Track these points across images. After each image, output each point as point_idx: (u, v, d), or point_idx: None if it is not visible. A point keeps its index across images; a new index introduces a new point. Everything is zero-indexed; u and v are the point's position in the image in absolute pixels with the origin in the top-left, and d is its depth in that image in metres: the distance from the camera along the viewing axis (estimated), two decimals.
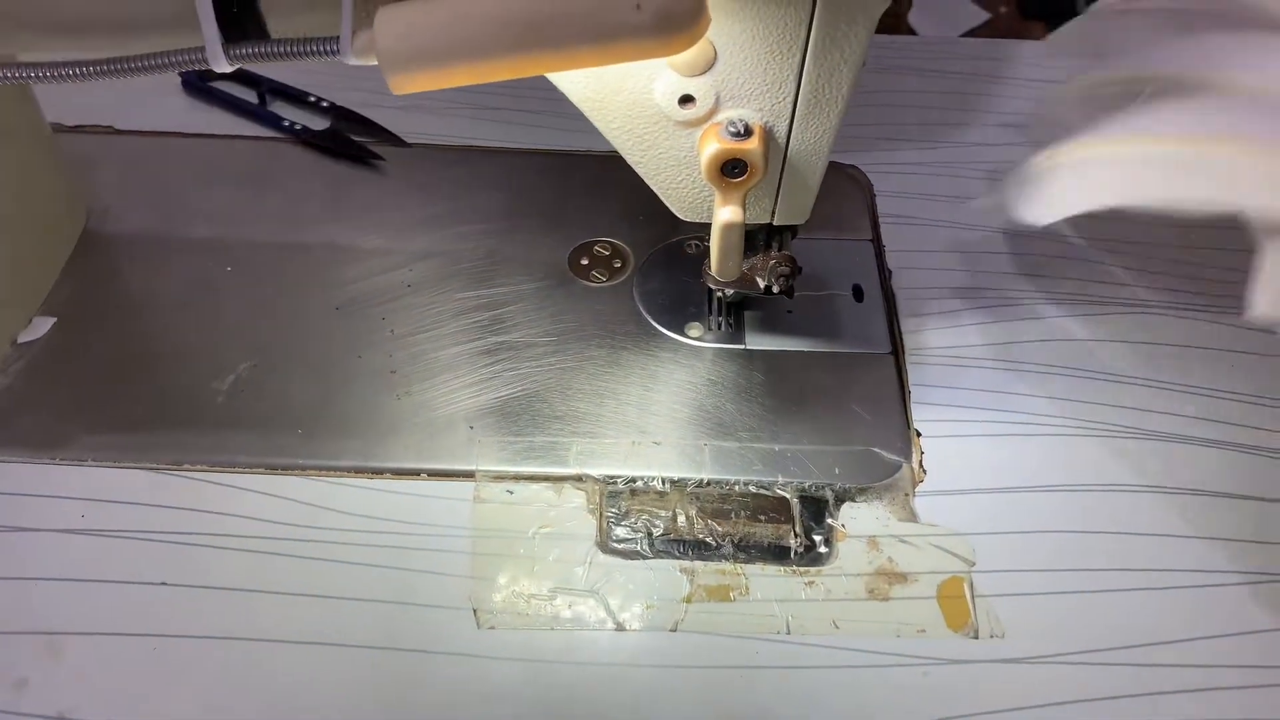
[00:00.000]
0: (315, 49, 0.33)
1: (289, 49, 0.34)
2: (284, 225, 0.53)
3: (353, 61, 0.33)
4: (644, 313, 0.50)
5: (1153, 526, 0.43)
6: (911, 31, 0.89)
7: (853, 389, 0.47)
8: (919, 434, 0.45)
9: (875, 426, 0.45)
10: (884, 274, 0.52)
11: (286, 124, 0.59)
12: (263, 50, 0.34)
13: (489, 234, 0.54)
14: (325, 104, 0.60)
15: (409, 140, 0.58)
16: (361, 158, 0.57)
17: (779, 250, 0.45)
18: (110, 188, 0.55)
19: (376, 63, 0.32)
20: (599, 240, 0.53)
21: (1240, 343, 0.49)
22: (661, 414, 0.46)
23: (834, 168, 0.58)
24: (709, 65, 0.35)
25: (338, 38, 0.33)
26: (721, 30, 0.34)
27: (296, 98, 0.60)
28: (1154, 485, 0.44)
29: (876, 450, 0.44)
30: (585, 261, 0.52)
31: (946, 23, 0.90)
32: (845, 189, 0.57)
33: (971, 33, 0.89)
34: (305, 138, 0.58)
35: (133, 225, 0.53)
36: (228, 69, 0.34)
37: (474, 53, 0.31)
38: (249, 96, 0.60)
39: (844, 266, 0.53)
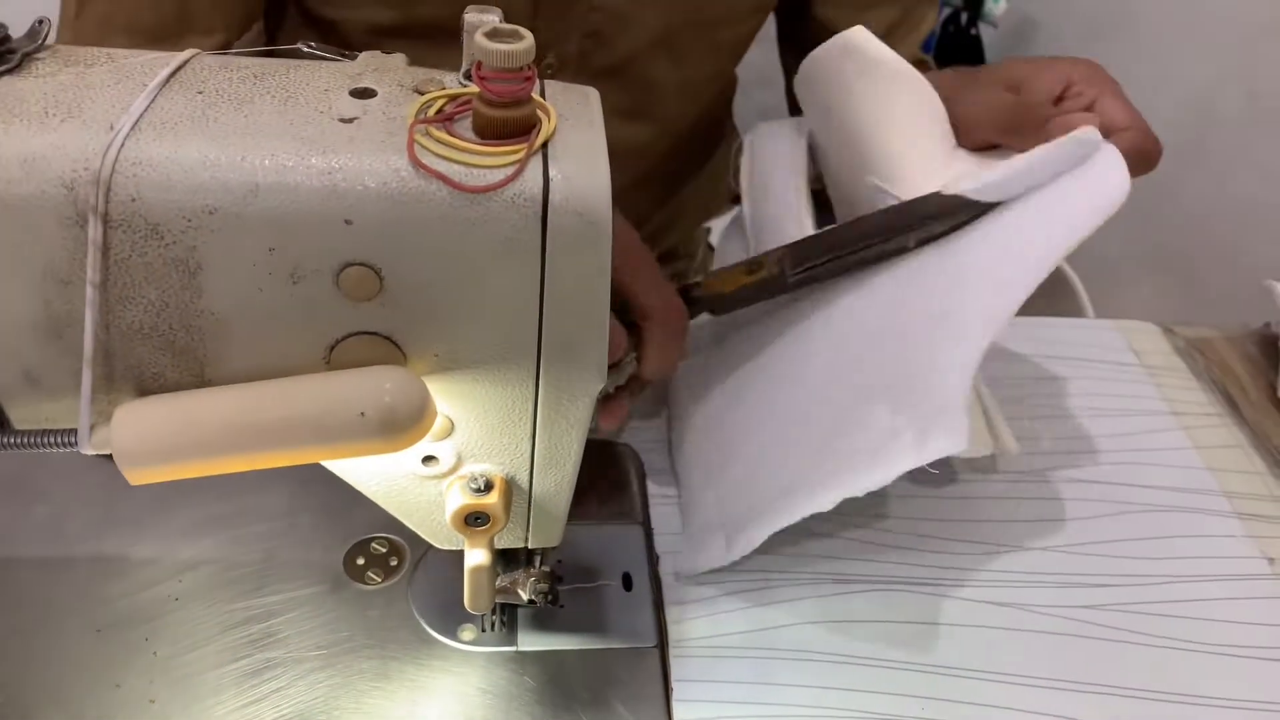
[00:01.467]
0: (55, 441, 0.35)
1: (29, 440, 0.35)
2: (48, 538, 0.53)
3: (90, 453, 0.34)
4: (417, 616, 0.51)
5: None
6: None
7: (620, 688, 0.49)
8: None
9: None
10: (652, 559, 0.55)
11: None
12: (2, 441, 0.35)
13: (266, 536, 0.54)
14: None
15: None
16: None
17: (539, 565, 0.47)
18: None
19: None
20: (375, 537, 0.55)
21: (975, 617, 0.54)
22: None
23: (606, 446, 0.62)
24: (447, 435, 0.38)
25: (76, 431, 0.34)
26: (456, 406, 0.37)
27: None
28: None
29: None
30: (361, 561, 0.53)
31: None
32: (617, 469, 0.61)
33: None
34: None
35: None
36: None
37: (207, 452, 0.33)
38: None
39: (615, 553, 0.55)
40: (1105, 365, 0.72)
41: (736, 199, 0.72)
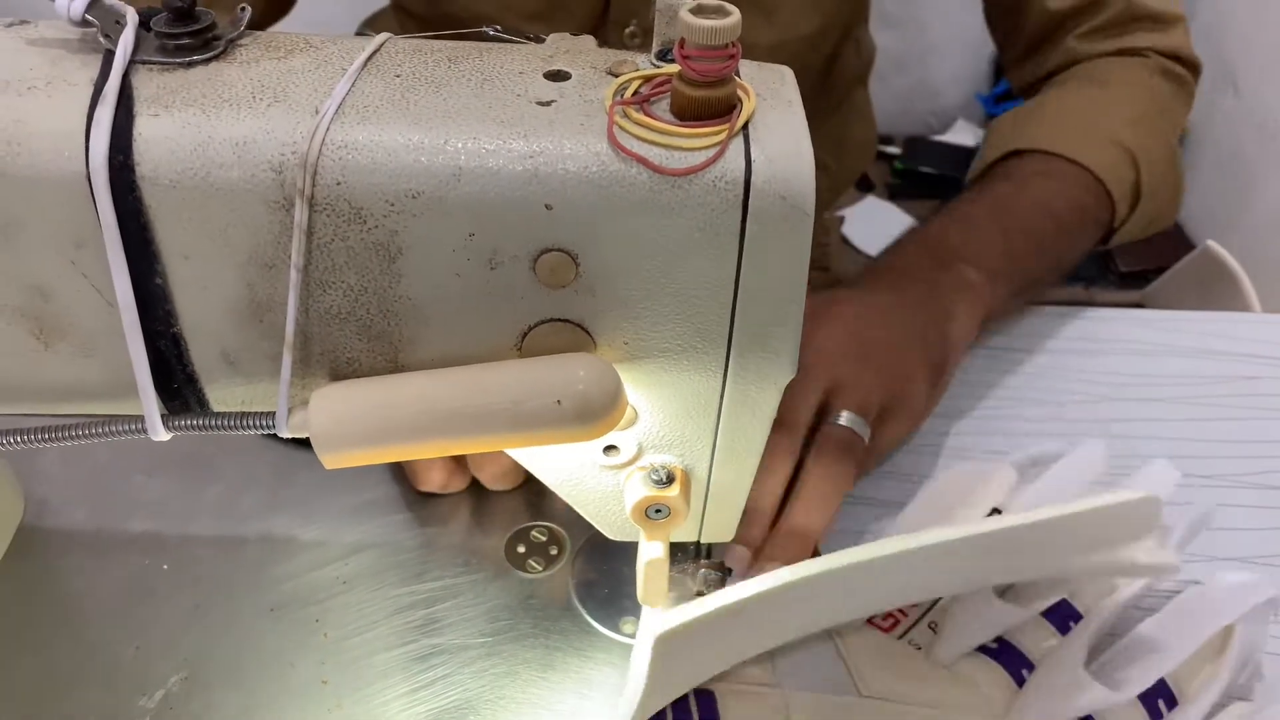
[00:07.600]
0: (252, 424, 0.35)
1: (227, 422, 0.35)
2: (223, 517, 0.54)
3: (286, 436, 0.35)
4: (579, 607, 0.51)
5: None
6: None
7: None
8: None
9: None
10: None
11: None
12: (201, 423, 0.35)
13: (427, 520, 0.55)
14: None
15: None
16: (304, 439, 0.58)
17: (708, 557, 0.46)
18: (50, 476, 0.56)
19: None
20: (536, 525, 0.54)
21: None
22: None
23: None
24: (631, 424, 0.37)
25: (274, 414, 0.35)
26: (641, 394, 0.36)
27: None
28: None
29: None
30: (522, 549, 0.53)
31: None
32: None
33: None
34: None
35: (71, 520, 0.53)
36: (165, 438, 0.35)
37: (403, 437, 0.33)
38: None
39: None
40: None
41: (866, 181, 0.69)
